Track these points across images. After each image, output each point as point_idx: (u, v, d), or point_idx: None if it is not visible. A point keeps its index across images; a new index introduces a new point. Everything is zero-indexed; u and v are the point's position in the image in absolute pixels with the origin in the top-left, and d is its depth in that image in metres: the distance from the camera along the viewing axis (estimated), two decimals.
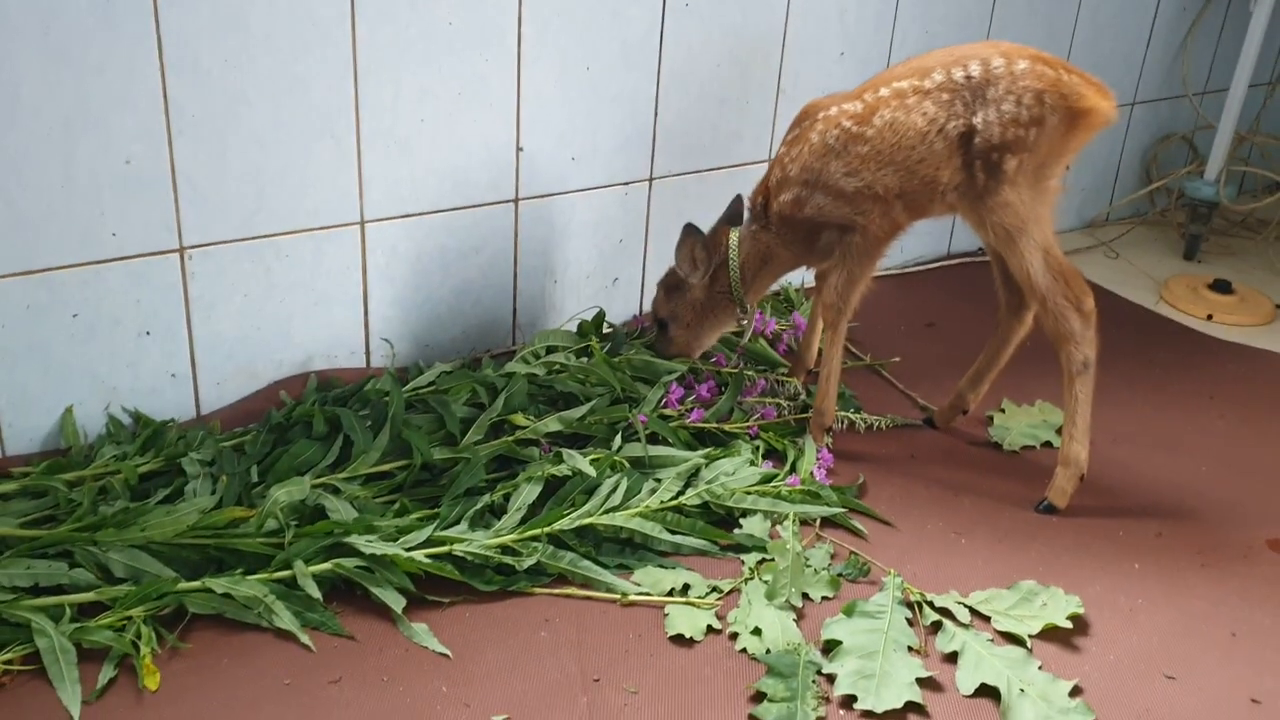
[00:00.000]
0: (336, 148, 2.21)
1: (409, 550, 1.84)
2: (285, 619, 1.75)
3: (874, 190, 2.07)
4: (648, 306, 2.71)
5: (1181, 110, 3.65)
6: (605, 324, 2.51)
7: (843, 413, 2.34)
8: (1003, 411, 2.45)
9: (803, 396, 2.39)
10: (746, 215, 2.27)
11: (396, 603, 1.79)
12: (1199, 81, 3.64)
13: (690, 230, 2.22)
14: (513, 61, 2.36)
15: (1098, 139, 3.45)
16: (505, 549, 1.89)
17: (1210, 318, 3.01)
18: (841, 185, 2.09)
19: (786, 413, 2.33)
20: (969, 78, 2.00)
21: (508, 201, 2.46)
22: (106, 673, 1.64)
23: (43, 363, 2.06)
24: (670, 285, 2.34)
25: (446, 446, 2.09)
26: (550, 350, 2.37)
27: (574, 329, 2.49)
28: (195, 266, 2.15)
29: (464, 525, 1.92)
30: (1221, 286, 3.08)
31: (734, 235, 2.25)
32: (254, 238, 2.19)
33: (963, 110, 2.00)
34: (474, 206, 2.42)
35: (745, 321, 2.35)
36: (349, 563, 1.82)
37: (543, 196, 2.51)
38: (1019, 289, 2.16)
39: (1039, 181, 2.05)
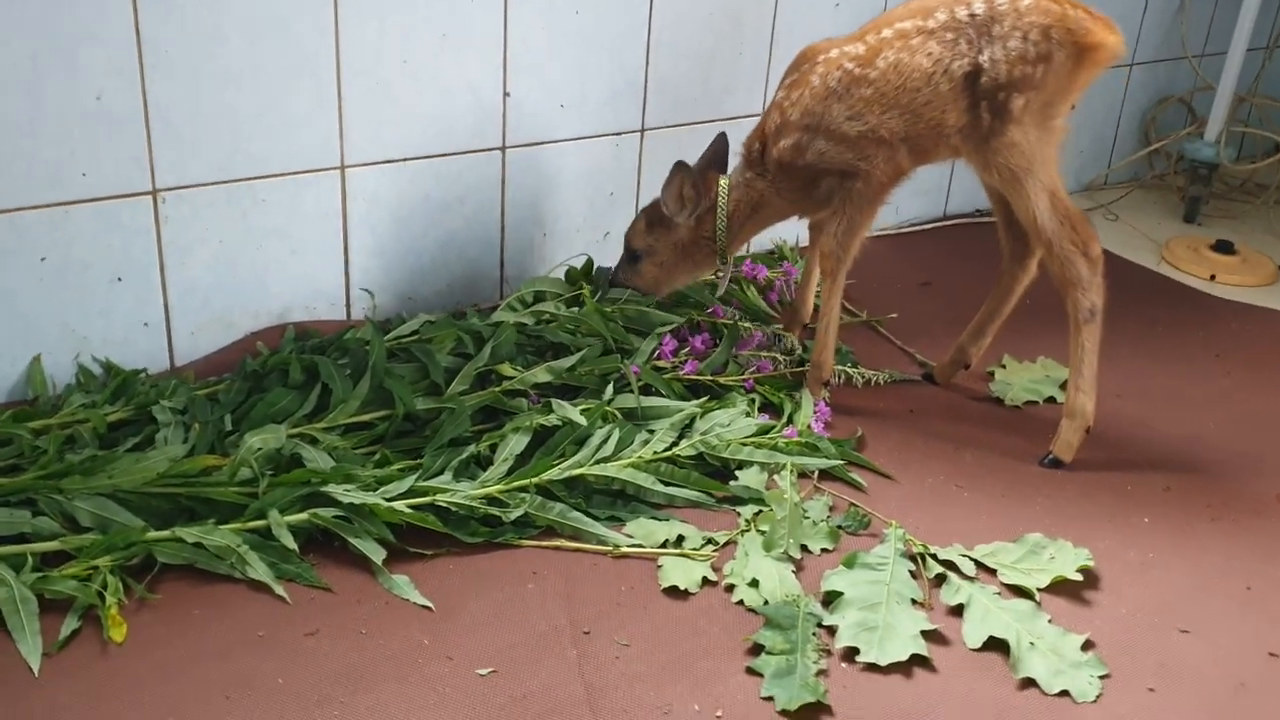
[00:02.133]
0: (316, 88, 2.13)
1: (390, 500, 1.76)
2: (259, 570, 1.67)
3: (878, 134, 2.00)
4: None
5: (1180, 72, 3.58)
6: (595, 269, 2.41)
7: (840, 367, 2.26)
8: (1004, 367, 2.38)
9: (799, 351, 2.31)
10: (739, 160, 2.18)
11: (376, 554, 1.71)
12: (1197, 43, 3.57)
13: (682, 166, 2.12)
14: (499, 3, 2.27)
15: (1096, 101, 3.42)
16: (491, 500, 1.81)
17: (1213, 278, 2.95)
18: (844, 129, 2.01)
19: (782, 366, 2.25)
20: (973, 15, 1.93)
21: (494, 149, 2.38)
22: (70, 624, 1.56)
23: (9, 309, 1.98)
24: (653, 218, 2.22)
25: (430, 397, 2.01)
26: (539, 298, 2.29)
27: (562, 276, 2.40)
28: (169, 210, 2.06)
29: (448, 476, 1.84)
30: (1223, 247, 3.02)
31: (724, 181, 2.17)
32: (230, 181, 2.11)
33: (967, 49, 1.93)
34: (459, 153, 2.34)
35: (722, 274, 2.27)
36: (326, 513, 1.74)
37: (531, 145, 2.42)
38: (1023, 235, 2.09)
39: (1045, 121, 1.98)
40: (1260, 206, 3.47)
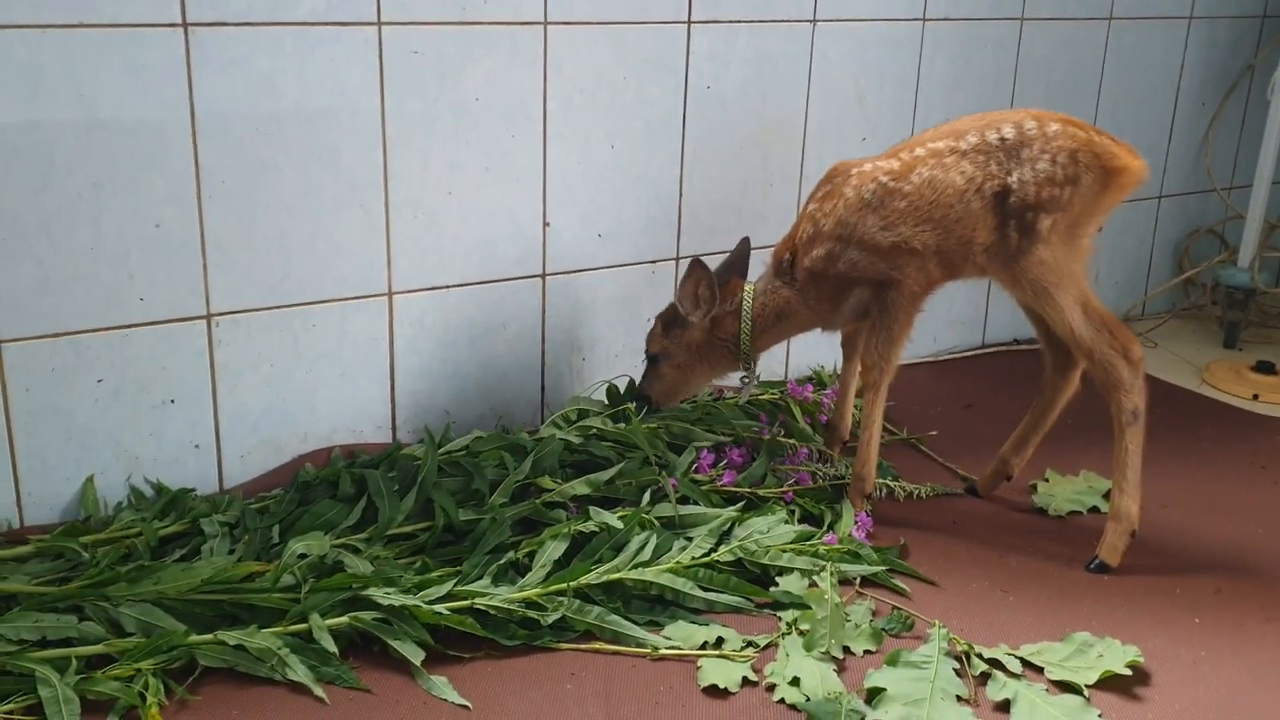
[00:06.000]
0: (365, 217, 2.23)
1: (430, 603, 1.77)
2: (299, 671, 1.67)
3: (911, 245, 2.05)
4: None
5: (1209, 204, 3.64)
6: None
7: (881, 480, 2.26)
8: (1046, 481, 2.37)
9: (840, 468, 2.31)
10: (767, 269, 2.23)
11: (415, 655, 1.71)
12: (1224, 174, 3.64)
13: (699, 265, 2.18)
14: (539, 138, 2.38)
15: (1128, 233, 3.47)
16: (529, 603, 1.82)
17: (1256, 397, 2.93)
18: (878, 240, 2.06)
19: (822, 479, 2.26)
20: (1003, 139, 2.00)
21: (535, 276, 2.46)
22: None
23: (65, 429, 2.04)
24: (669, 320, 2.28)
25: (472, 508, 2.04)
26: (581, 415, 2.32)
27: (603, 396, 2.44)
28: (222, 334, 2.14)
29: (486, 580, 1.85)
30: (1265, 367, 3.01)
31: (748, 287, 2.22)
32: (281, 306, 2.19)
33: (998, 170, 2.00)
34: (501, 280, 2.42)
35: (748, 379, 2.30)
36: (366, 615, 1.75)
37: (570, 272, 2.50)
38: (1065, 347, 2.11)
39: (1072, 240, 2.03)
40: None
